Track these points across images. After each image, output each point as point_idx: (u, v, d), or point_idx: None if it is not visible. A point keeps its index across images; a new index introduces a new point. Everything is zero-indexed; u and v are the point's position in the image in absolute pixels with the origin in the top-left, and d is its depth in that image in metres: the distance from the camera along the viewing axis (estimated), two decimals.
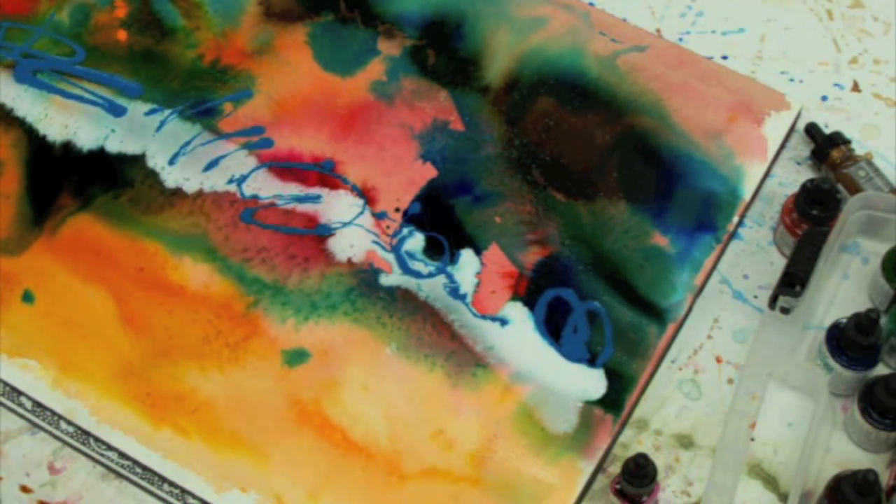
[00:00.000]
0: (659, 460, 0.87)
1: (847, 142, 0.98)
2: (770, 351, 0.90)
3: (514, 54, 1.04)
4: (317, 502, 0.87)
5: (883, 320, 0.89)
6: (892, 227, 0.93)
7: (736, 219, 0.96)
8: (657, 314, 0.92)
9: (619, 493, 0.84)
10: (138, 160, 1.00)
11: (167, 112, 1.02)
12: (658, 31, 1.07)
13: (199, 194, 0.98)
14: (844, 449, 0.88)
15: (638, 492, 0.83)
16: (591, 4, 1.08)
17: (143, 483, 0.88)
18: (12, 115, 1.02)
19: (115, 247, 0.96)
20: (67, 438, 0.90)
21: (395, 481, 0.87)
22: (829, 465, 0.87)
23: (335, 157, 1.00)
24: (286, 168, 0.99)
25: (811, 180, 0.92)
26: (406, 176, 0.99)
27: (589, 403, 0.89)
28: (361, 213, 0.97)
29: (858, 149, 0.99)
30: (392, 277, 0.94)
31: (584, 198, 0.98)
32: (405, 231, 0.96)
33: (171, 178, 0.99)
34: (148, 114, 1.02)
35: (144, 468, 0.88)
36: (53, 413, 0.90)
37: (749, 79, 1.03)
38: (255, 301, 0.93)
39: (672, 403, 0.90)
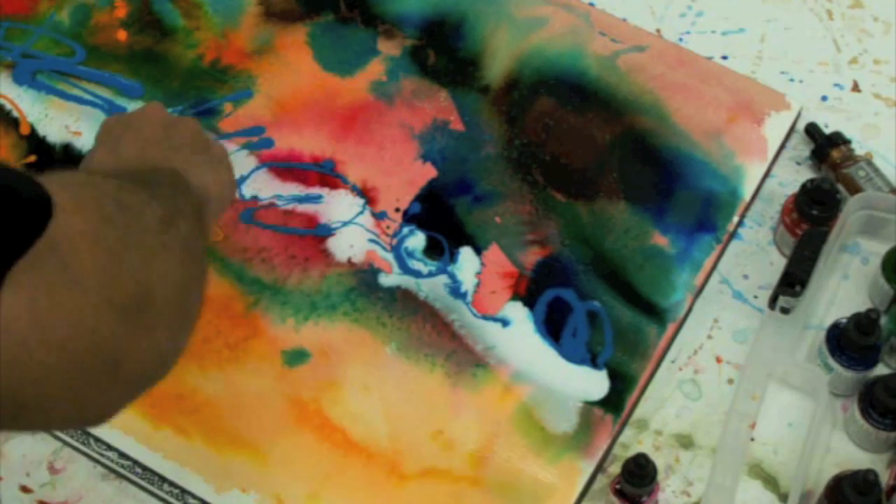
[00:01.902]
0: (659, 460, 0.87)
1: (847, 142, 0.98)
2: (770, 351, 0.90)
3: (514, 54, 1.04)
4: (317, 502, 0.86)
5: (883, 320, 0.89)
6: (892, 227, 0.93)
7: (736, 219, 0.96)
8: (657, 314, 0.92)
9: (619, 493, 0.84)
10: None
11: None
12: (658, 31, 1.07)
13: None
14: (844, 449, 0.88)
15: (638, 492, 0.83)
16: (591, 4, 1.08)
17: (143, 483, 0.88)
18: (12, 116, 1.02)
19: None
20: (67, 438, 0.90)
21: (395, 481, 0.87)
22: (829, 465, 0.87)
23: (335, 156, 1.00)
24: (286, 168, 0.99)
25: (811, 180, 0.92)
26: (406, 176, 0.99)
27: (589, 403, 0.89)
28: (361, 212, 0.97)
29: (858, 149, 0.99)
30: (392, 277, 0.94)
31: (584, 198, 0.98)
32: (405, 231, 0.96)
33: None
34: None
35: (144, 468, 0.88)
36: None
37: (749, 79, 1.03)
38: (255, 301, 0.93)
39: (672, 403, 0.90)
